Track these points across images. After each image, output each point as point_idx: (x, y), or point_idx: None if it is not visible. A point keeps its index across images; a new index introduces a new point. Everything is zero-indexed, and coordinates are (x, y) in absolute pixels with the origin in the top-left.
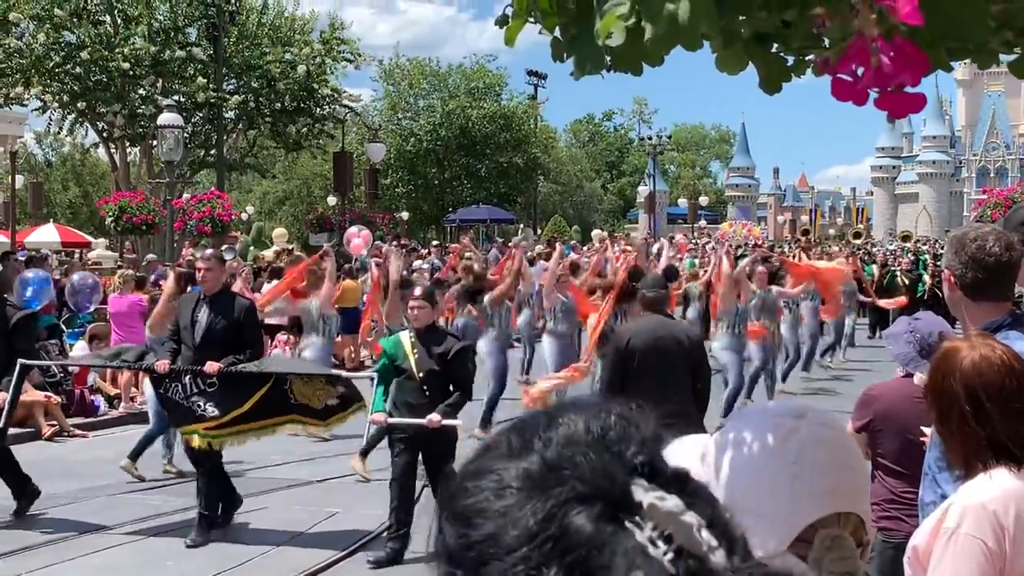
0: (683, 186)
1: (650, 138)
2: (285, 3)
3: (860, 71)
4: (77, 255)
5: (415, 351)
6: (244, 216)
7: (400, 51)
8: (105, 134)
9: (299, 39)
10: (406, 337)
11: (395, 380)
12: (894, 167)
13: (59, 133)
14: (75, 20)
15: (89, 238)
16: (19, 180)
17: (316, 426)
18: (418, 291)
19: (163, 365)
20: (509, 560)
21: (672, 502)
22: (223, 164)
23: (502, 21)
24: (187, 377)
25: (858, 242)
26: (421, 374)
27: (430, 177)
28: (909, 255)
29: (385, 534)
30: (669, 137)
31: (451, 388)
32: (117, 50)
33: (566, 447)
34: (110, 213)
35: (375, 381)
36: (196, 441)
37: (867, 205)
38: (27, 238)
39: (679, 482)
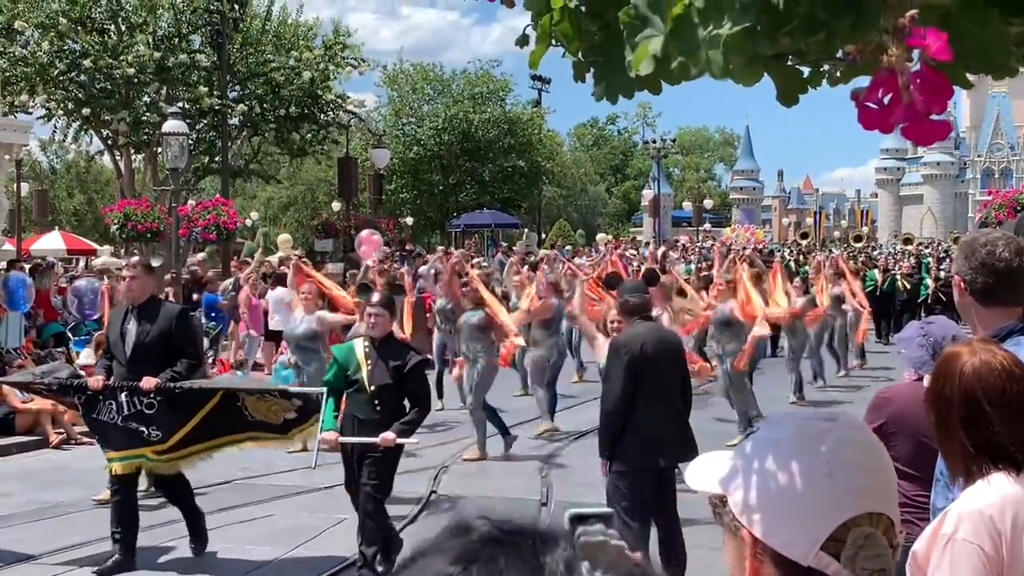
0: (687, 189)
1: (654, 141)
2: (289, 10)
3: (887, 99)
4: (83, 262)
5: (369, 362)
6: (248, 222)
7: (404, 56)
8: (110, 141)
9: (303, 44)
10: (360, 346)
11: (346, 393)
12: (898, 169)
13: (64, 141)
14: (79, 28)
15: (95, 245)
16: (24, 188)
17: (278, 441)
18: (375, 298)
19: (97, 382)
20: None
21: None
22: (228, 170)
23: (522, 41)
24: (123, 395)
25: (859, 245)
26: (373, 387)
27: (434, 182)
28: (911, 258)
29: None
30: (673, 140)
31: (405, 403)
32: (121, 57)
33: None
34: (115, 221)
35: (325, 395)
36: (147, 466)
37: (871, 207)
38: (33, 246)
39: None
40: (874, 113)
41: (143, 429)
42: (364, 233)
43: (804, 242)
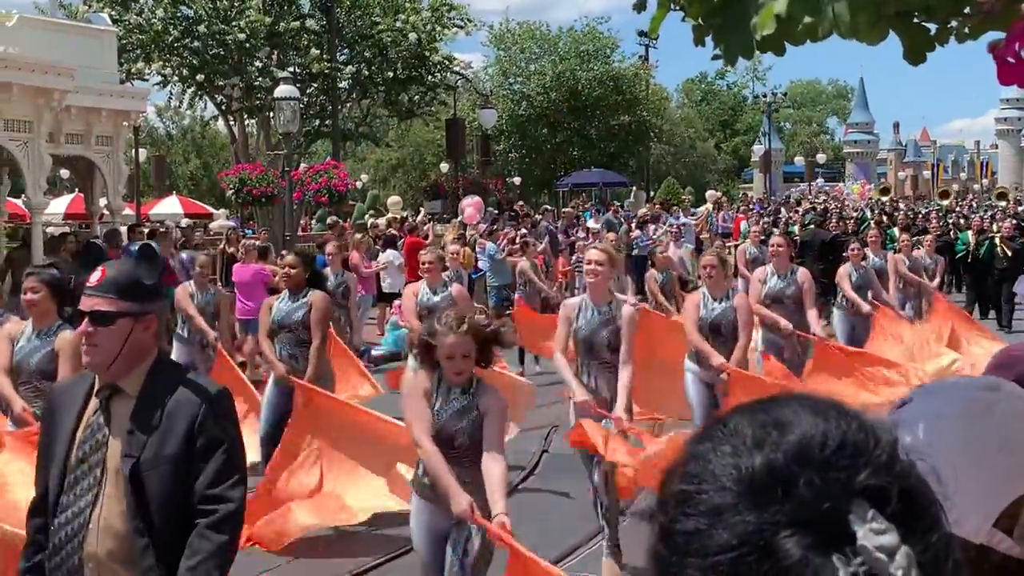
0: (799, 143)
1: (764, 95)
2: None
3: None
4: (200, 229)
5: None
6: (359, 184)
7: (510, 15)
8: (223, 107)
9: (409, 7)
10: None
11: None
12: (1019, 119)
13: (179, 107)
14: None
15: (211, 209)
16: (142, 153)
17: None
18: None
19: None
20: (708, 561)
21: (888, 537)
22: (338, 134)
23: (640, 6)
24: None
25: (945, 203)
26: None
27: (541, 141)
28: (1011, 219)
29: None
30: (784, 94)
31: None
32: (233, 23)
33: (796, 460)
34: (231, 185)
35: None
36: None
37: (991, 159)
38: (151, 210)
39: (907, 510)
40: (1012, 68)
41: None
42: (465, 200)
43: (885, 199)
